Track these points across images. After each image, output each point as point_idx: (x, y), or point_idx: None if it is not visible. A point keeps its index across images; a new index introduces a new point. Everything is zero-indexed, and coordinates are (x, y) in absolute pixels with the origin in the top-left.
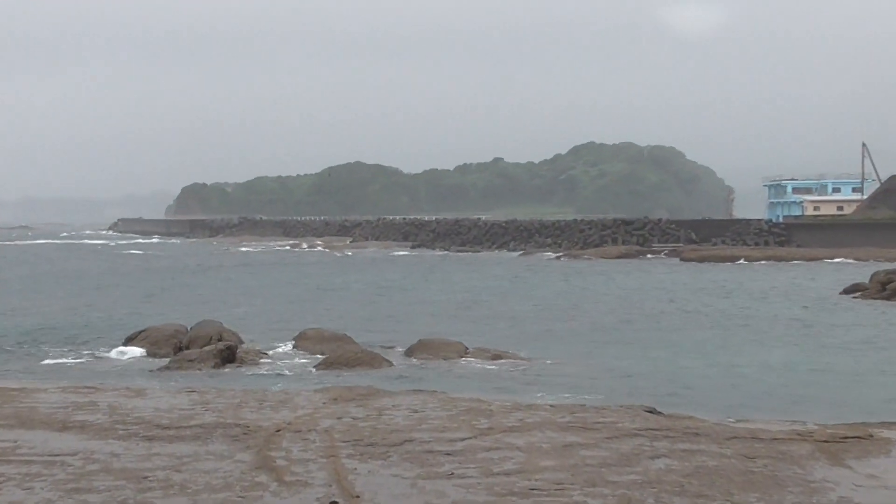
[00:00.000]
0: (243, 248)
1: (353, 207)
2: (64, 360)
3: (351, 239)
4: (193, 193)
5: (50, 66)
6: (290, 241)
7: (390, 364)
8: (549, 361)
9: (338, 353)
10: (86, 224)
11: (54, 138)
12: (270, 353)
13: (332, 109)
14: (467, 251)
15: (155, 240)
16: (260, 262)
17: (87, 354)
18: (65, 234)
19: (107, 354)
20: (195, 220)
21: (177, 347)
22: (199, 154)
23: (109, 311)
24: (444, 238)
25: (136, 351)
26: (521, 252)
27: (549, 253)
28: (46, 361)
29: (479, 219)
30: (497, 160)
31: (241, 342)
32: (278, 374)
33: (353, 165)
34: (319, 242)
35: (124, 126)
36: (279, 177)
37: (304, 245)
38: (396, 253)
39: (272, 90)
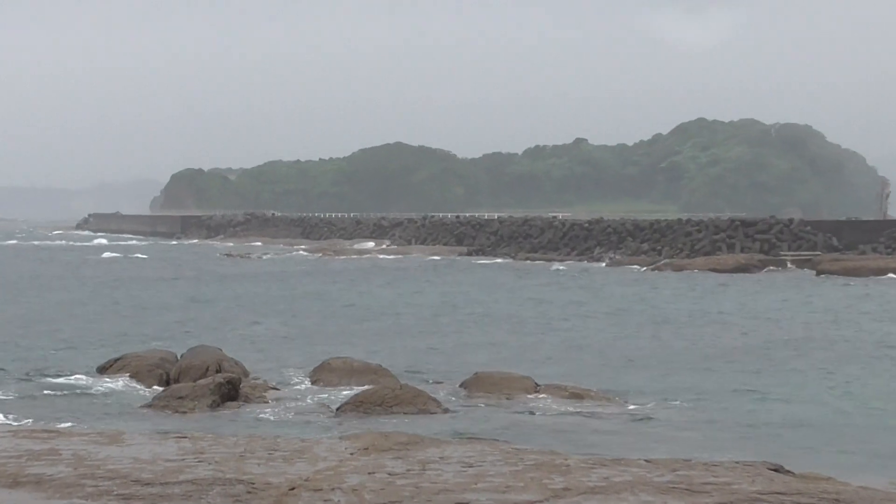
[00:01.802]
0: (264, 256)
1: (391, 202)
2: (15, 395)
3: (388, 242)
4: (186, 182)
5: None
6: (314, 244)
7: (438, 404)
8: (643, 403)
9: (370, 389)
10: (46, 221)
11: (2, 110)
12: (284, 388)
13: (368, 76)
14: (539, 259)
15: (134, 241)
16: (274, 273)
17: (47, 387)
18: (20, 233)
19: (72, 388)
20: (188, 217)
21: (163, 380)
22: (195, 132)
23: (75, 331)
24: (509, 242)
25: (109, 384)
26: (608, 261)
27: (645, 262)
28: None
29: (554, 218)
30: (579, 142)
31: (247, 374)
32: (293, 416)
33: (393, 148)
34: (376, 245)
35: (97, 95)
36: (297, 161)
37: (332, 251)
38: (446, 259)
39: (290, 52)
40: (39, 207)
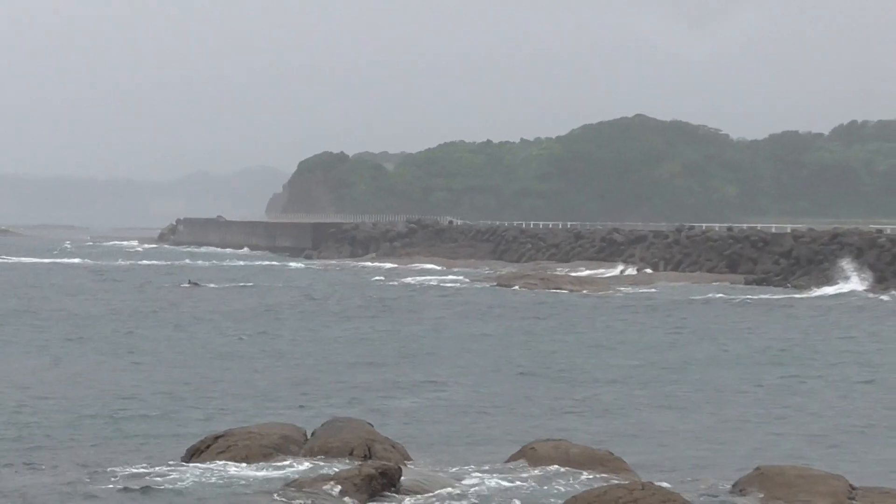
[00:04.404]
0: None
1: (628, 206)
2: (62, 492)
3: (624, 266)
4: (320, 173)
5: None
6: (511, 268)
7: None
8: None
9: (597, 488)
10: (115, 228)
11: (57, 75)
12: (464, 483)
13: (595, 23)
14: (872, 294)
15: (239, 262)
16: (450, 308)
17: (110, 481)
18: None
19: (148, 481)
20: (323, 225)
21: (285, 468)
22: (333, 101)
23: (155, 395)
24: (808, 267)
25: (204, 475)
26: None
27: None
28: (40, 482)
29: (879, 232)
30: None
31: (408, 460)
32: None
33: (631, 124)
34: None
35: (190, 56)
36: (486, 143)
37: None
38: (717, 290)
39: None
40: (106, 208)
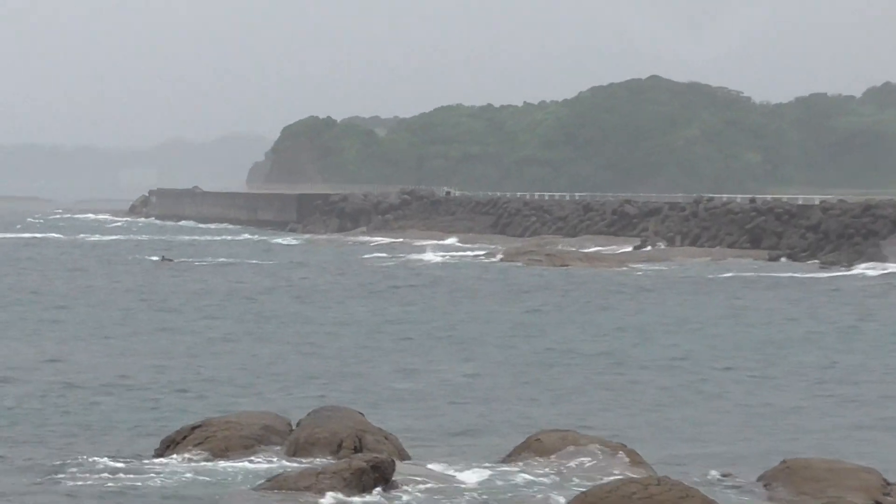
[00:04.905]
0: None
1: (641, 176)
2: (23, 490)
3: (637, 242)
4: (307, 140)
5: None
6: (517, 244)
7: None
8: None
9: (608, 483)
10: (81, 200)
11: (17, 31)
12: (464, 478)
13: None
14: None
15: (218, 237)
16: (454, 284)
17: (72, 476)
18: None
19: (115, 477)
20: (308, 196)
21: (267, 461)
22: (320, 63)
23: (127, 382)
24: (838, 242)
25: (182, 465)
26: None
27: None
28: (5, 478)
29: None
30: None
31: (403, 452)
32: None
33: (645, 86)
34: None
35: (163, 13)
36: (487, 107)
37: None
38: (743, 268)
39: None
40: (71, 178)
